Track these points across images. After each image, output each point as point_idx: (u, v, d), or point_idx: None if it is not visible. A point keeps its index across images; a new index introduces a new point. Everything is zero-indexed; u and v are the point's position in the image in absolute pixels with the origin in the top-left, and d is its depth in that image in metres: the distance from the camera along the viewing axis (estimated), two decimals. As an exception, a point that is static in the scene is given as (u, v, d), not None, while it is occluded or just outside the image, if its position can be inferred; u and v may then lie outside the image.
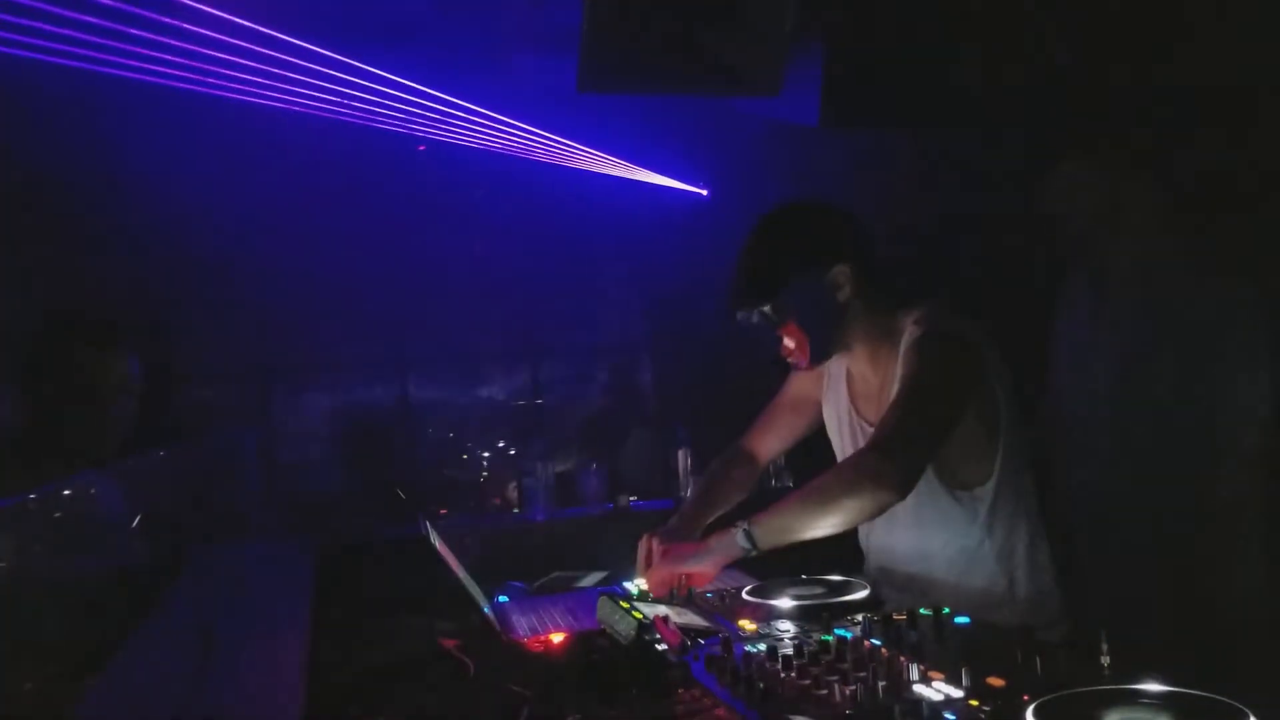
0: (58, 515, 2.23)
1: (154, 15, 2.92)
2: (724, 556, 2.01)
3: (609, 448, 4.44)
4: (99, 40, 2.90)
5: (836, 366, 2.27)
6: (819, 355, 2.15)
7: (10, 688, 1.70)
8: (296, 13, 3.27)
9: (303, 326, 4.77)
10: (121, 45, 2.97)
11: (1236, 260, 2.57)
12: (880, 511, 1.91)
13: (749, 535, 1.94)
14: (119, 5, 2.80)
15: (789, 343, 2.14)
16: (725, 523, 2.12)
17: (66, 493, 2.32)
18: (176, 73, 3.18)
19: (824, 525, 1.93)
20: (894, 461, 1.88)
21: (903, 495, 1.88)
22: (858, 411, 2.22)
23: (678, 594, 2.01)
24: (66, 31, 2.80)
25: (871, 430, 2.16)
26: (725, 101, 4.07)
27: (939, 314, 2.07)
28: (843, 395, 2.27)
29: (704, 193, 5.00)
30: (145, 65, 3.08)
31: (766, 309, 2.10)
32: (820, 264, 2.09)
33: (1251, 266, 2.55)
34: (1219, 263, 2.56)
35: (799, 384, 2.40)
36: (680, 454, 3.81)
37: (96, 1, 2.77)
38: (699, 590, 2.04)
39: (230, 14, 3.04)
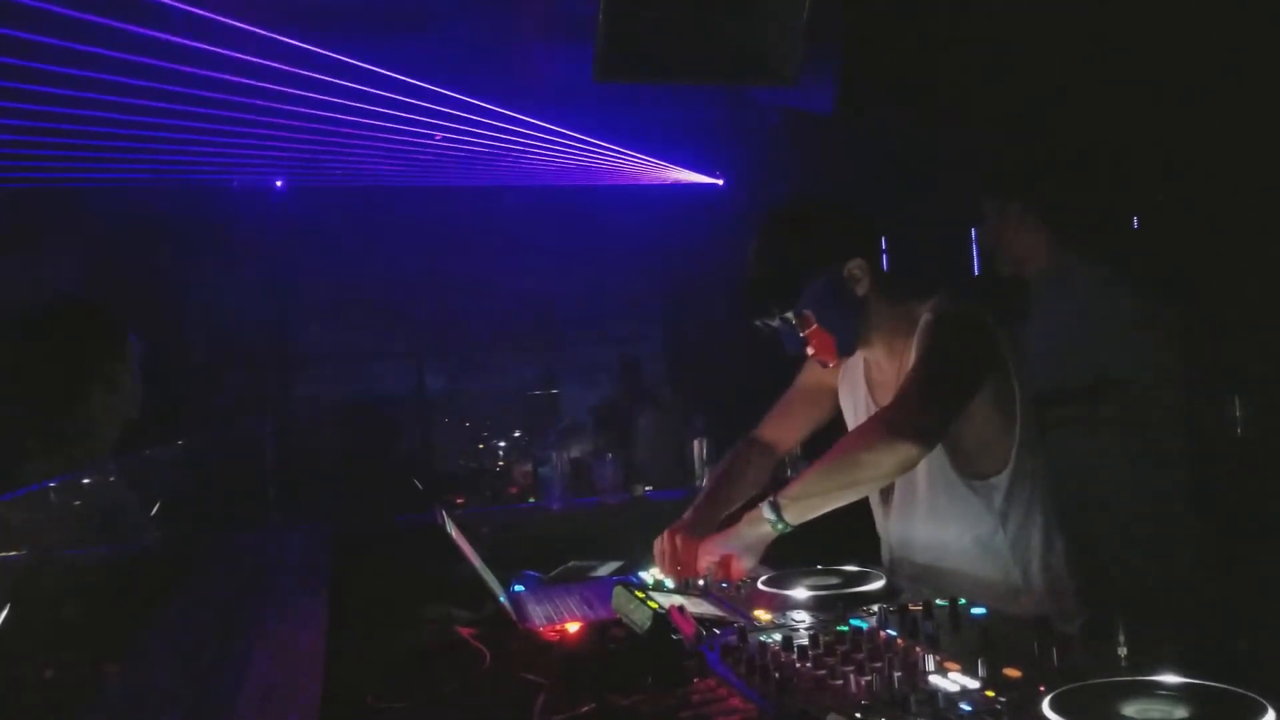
0: (77, 504, 2.25)
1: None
2: (756, 539, 2.00)
3: (624, 436, 4.44)
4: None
5: (854, 357, 2.27)
6: (845, 351, 2.14)
7: (30, 675, 1.71)
8: (311, 8, 3.28)
9: (321, 317, 4.80)
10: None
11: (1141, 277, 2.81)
12: (905, 466, 1.89)
13: (775, 509, 1.94)
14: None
15: (813, 343, 2.13)
16: (730, 516, 2.12)
17: (86, 481, 2.33)
18: (204, 110, 3.24)
19: (849, 489, 1.93)
20: (910, 413, 1.88)
21: (924, 446, 1.86)
22: (875, 401, 2.22)
23: (693, 583, 2.02)
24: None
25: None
26: (740, 91, 4.06)
27: (952, 301, 2.06)
28: (860, 384, 2.26)
29: (720, 182, 4.99)
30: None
31: (788, 315, 2.09)
32: (835, 261, 2.08)
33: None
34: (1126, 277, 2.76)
35: (814, 373, 2.39)
36: (696, 443, 3.80)
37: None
38: (716, 579, 2.04)
39: (249, 12, 3.05)
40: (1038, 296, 2.81)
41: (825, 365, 2.19)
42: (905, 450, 1.86)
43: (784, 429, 2.45)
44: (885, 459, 1.87)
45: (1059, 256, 2.80)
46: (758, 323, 2.15)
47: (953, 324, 2.01)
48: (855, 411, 2.29)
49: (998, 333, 2.03)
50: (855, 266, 2.08)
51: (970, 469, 2.03)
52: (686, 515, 2.21)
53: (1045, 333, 2.69)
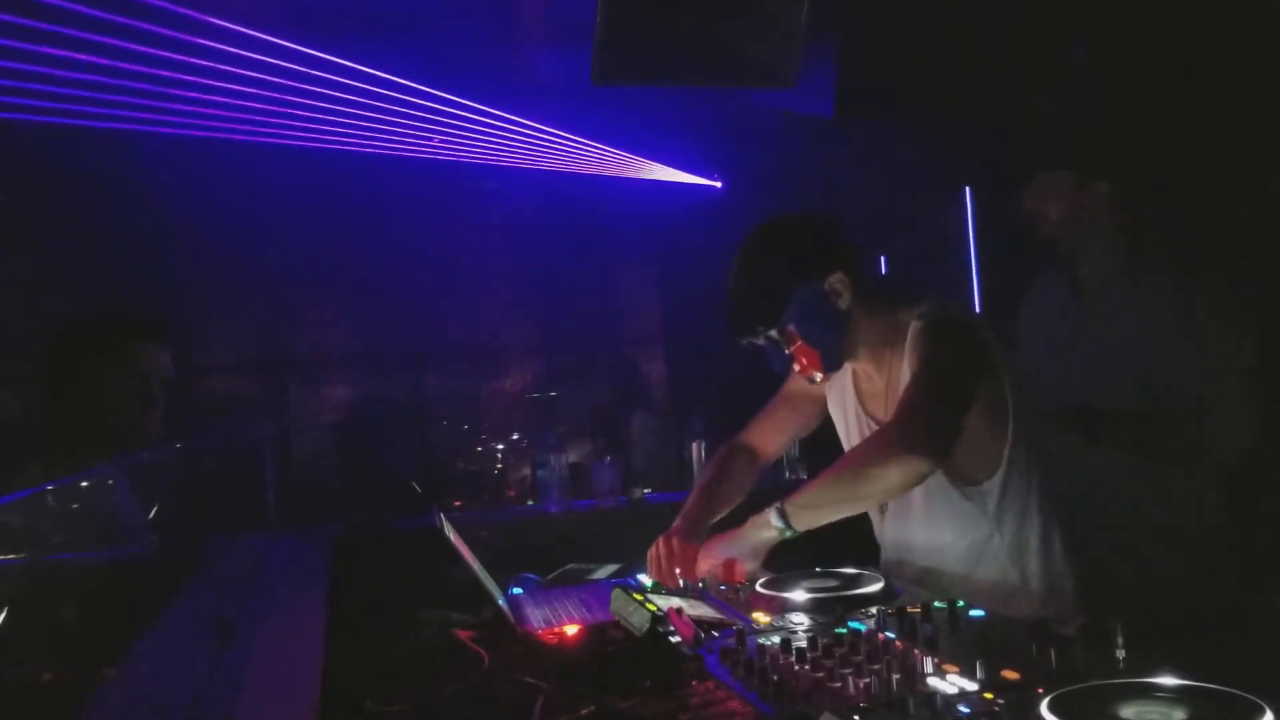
0: (75, 507, 2.25)
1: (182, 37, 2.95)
2: (761, 543, 2.01)
3: (621, 439, 4.44)
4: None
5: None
6: (831, 366, 2.14)
7: (27, 679, 1.71)
8: (303, 10, 3.27)
9: (319, 320, 4.79)
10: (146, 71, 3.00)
11: (1207, 266, 2.59)
12: (915, 481, 1.89)
13: (782, 515, 1.94)
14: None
15: (799, 359, 2.13)
16: (732, 520, 2.12)
17: (84, 485, 2.34)
18: (194, 94, 3.22)
19: (858, 500, 1.93)
20: (923, 428, 1.87)
21: (936, 462, 1.86)
22: (865, 410, 2.22)
23: (691, 586, 2.02)
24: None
25: (879, 428, 2.15)
26: (739, 94, 4.06)
27: (939, 307, 2.06)
28: (850, 394, 2.26)
29: (719, 185, 4.99)
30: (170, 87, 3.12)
31: (772, 333, 2.10)
32: (815, 277, 2.08)
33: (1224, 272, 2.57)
34: (1191, 267, 2.55)
35: (800, 382, 2.38)
36: (695, 446, 3.81)
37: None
38: (715, 581, 2.04)
39: (235, 12, 3.04)
40: (1099, 292, 2.63)
41: (812, 381, 2.19)
42: (917, 467, 1.85)
43: (769, 436, 2.44)
44: (895, 476, 1.87)
45: (1129, 248, 2.60)
46: (743, 341, 2.15)
47: (944, 331, 2.00)
48: (846, 422, 2.29)
49: (988, 337, 2.03)
50: (836, 281, 2.08)
51: (962, 475, 2.03)
52: (677, 523, 2.22)
53: (1102, 333, 2.58)
